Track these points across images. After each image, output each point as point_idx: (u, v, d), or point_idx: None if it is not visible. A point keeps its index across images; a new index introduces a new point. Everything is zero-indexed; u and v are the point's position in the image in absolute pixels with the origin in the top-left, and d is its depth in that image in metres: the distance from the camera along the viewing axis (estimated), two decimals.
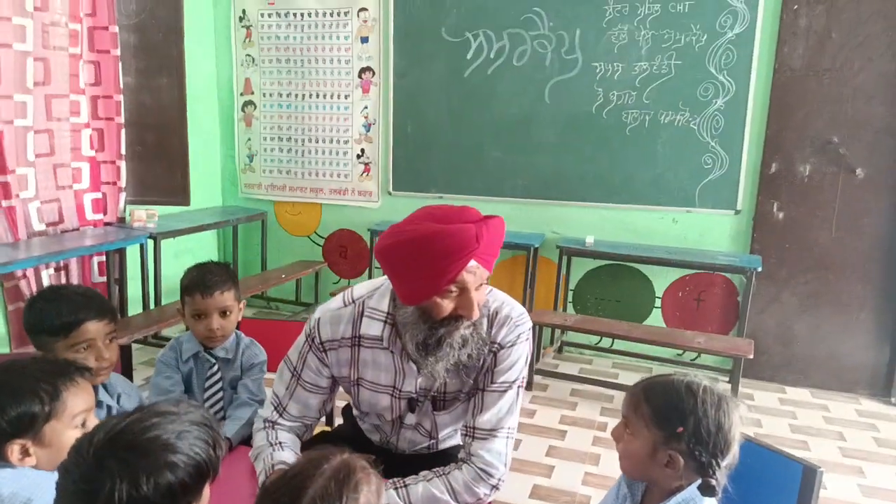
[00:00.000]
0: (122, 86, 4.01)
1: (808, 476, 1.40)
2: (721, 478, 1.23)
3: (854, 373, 4.04)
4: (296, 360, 1.60)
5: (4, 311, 3.56)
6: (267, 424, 1.60)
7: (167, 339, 3.74)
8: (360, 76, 4.82)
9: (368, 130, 4.88)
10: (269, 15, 4.95)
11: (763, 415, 3.73)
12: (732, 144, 4.08)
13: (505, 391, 1.52)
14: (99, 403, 1.68)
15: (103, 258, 3.96)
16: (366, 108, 4.85)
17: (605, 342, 4.47)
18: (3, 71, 3.34)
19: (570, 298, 4.56)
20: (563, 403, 3.78)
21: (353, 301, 1.57)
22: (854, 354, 4.03)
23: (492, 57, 4.46)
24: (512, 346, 1.52)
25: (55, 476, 0.95)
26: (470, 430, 1.52)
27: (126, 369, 3.29)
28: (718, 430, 1.22)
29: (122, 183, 4.12)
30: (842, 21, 3.79)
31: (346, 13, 4.76)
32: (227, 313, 2.00)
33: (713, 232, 4.22)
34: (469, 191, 4.60)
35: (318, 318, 1.57)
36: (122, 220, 4.15)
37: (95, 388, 1.65)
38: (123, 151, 4.08)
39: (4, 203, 3.43)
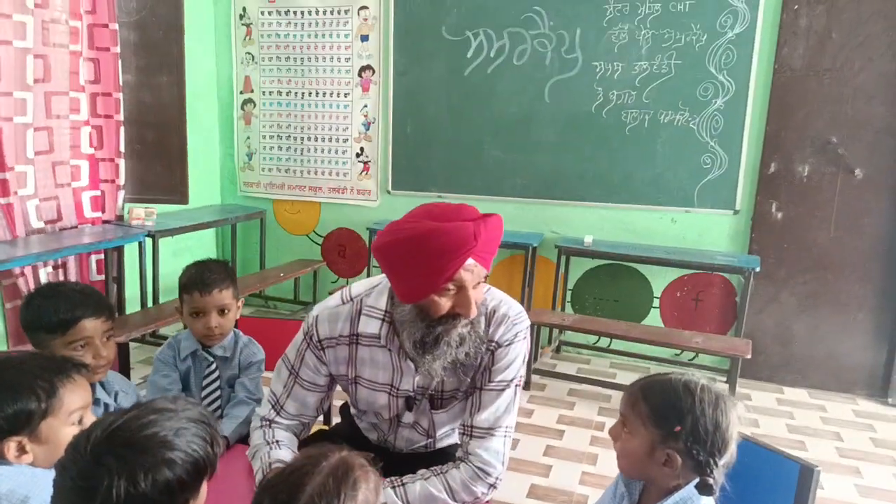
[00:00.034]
0: (121, 83, 4.01)
1: (805, 475, 1.41)
2: (719, 477, 1.23)
3: (852, 373, 4.05)
4: (293, 358, 1.60)
5: (2, 308, 3.55)
6: (264, 423, 1.59)
7: (165, 338, 3.74)
8: (359, 74, 4.82)
9: (368, 129, 4.88)
10: (270, 13, 4.95)
11: (760, 415, 3.73)
12: (732, 144, 4.08)
13: (503, 390, 1.52)
14: (96, 401, 1.68)
15: (101, 256, 3.96)
16: (365, 106, 4.85)
17: (604, 342, 4.47)
18: (3, 68, 3.33)
19: (568, 298, 4.56)
20: (561, 403, 3.78)
21: (351, 299, 1.57)
22: (852, 355, 4.03)
23: (492, 56, 4.46)
24: (509, 344, 1.52)
25: (52, 473, 0.95)
26: (468, 428, 1.52)
27: (123, 367, 3.29)
28: (716, 428, 1.22)
29: (121, 181, 4.11)
30: (842, 21, 3.79)
31: (346, 11, 4.76)
32: (226, 311, 1.99)
33: (712, 232, 4.22)
34: (468, 190, 4.60)
35: (316, 316, 1.57)
36: (120, 218, 4.15)
37: (93, 386, 1.65)
38: (122, 149, 4.08)
39: (3, 200, 3.43)
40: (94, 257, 3.98)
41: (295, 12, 4.88)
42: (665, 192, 4.25)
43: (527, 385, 3.91)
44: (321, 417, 2.03)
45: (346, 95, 4.89)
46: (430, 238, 1.33)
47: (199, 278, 1.97)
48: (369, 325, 1.52)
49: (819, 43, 3.85)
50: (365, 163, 4.94)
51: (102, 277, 3.96)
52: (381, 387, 1.57)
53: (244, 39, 5.08)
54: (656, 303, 4.40)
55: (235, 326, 2.08)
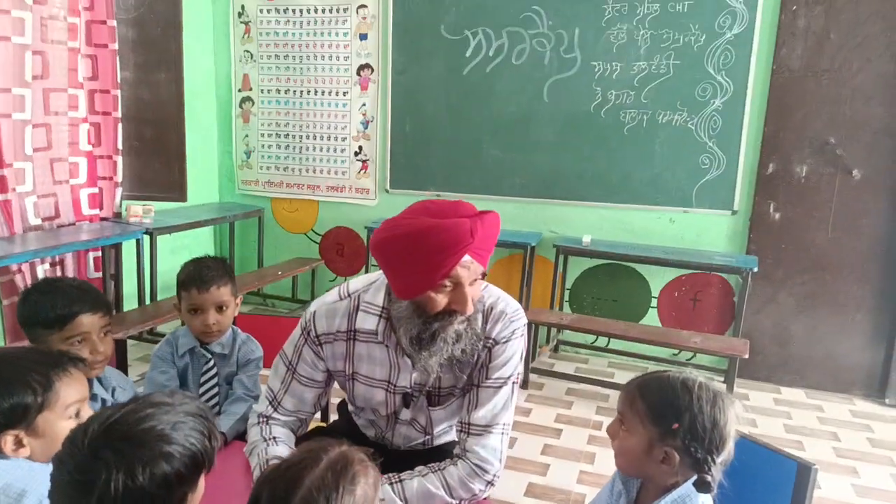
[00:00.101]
0: (119, 80, 4.00)
1: (802, 473, 1.41)
2: (716, 474, 1.23)
3: (849, 373, 4.05)
4: (291, 353, 1.59)
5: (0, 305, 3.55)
6: (261, 419, 1.59)
7: (162, 336, 3.72)
8: (358, 73, 4.81)
9: (366, 128, 4.88)
10: (268, 11, 4.95)
11: (758, 415, 3.73)
12: (730, 145, 4.08)
13: (500, 387, 1.52)
14: (94, 397, 1.68)
15: (99, 253, 3.95)
16: (364, 105, 4.85)
17: (602, 341, 4.47)
18: (1, 64, 3.33)
19: (566, 297, 4.56)
20: (559, 402, 3.78)
21: (349, 295, 1.57)
22: (849, 355, 4.04)
23: (491, 55, 4.46)
24: (507, 341, 1.52)
25: (50, 467, 0.94)
26: (465, 426, 1.52)
27: (121, 364, 3.28)
28: (714, 426, 1.22)
29: (119, 178, 4.11)
30: (840, 22, 3.79)
31: (345, 10, 4.76)
32: (224, 308, 1.99)
33: (710, 232, 4.23)
34: (467, 189, 4.60)
35: (314, 312, 1.57)
36: (118, 215, 4.14)
37: (90, 382, 1.65)
38: (120, 146, 4.07)
39: (0, 197, 3.42)
40: (91, 254, 3.97)
41: (294, 10, 4.88)
42: (663, 192, 4.25)
43: (525, 384, 3.91)
44: (319, 414, 2.03)
45: (344, 94, 4.88)
46: (426, 234, 1.33)
47: (196, 275, 1.97)
48: (367, 322, 1.52)
49: (817, 44, 3.85)
50: (363, 161, 4.93)
51: (100, 275, 3.96)
52: (378, 383, 1.57)
53: (243, 37, 5.08)
54: (654, 302, 4.40)
55: (233, 324, 2.08)
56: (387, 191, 4.90)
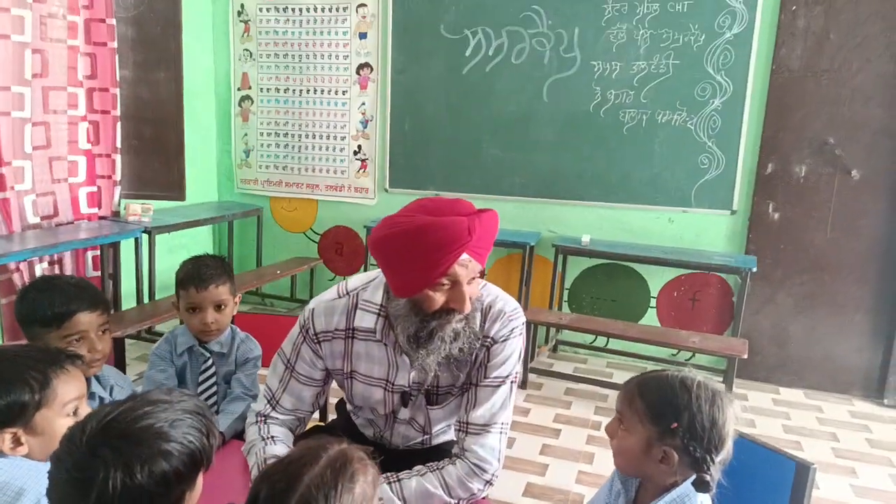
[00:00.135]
0: (118, 79, 3.99)
1: (801, 473, 1.41)
2: (715, 473, 1.23)
3: (848, 374, 4.05)
4: (290, 351, 1.59)
5: None
6: (259, 418, 1.59)
7: (160, 335, 3.72)
8: (357, 72, 4.81)
9: (366, 127, 4.88)
10: (268, 10, 4.94)
11: (757, 415, 3.73)
12: (729, 145, 4.08)
13: (498, 386, 1.52)
14: (92, 395, 1.67)
15: (97, 252, 3.94)
16: (363, 104, 4.85)
17: (600, 341, 4.47)
18: (1, 62, 3.32)
19: (565, 297, 4.56)
20: (558, 402, 3.78)
21: (348, 293, 1.57)
22: (848, 356, 4.04)
23: (490, 54, 4.45)
24: (505, 340, 1.52)
25: (48, 465, 0.94)
26: (463, 425, 1.52)
27: (119, 363, 3.28)
28: (713, 425, 1.22)
29: (117, 177, 4.10)
30: (840, 22, 3.79)
31: (344, 9, 4.75)
32: (222, 307, 1.99)
33: (709, 232, 4.23)
34: (466, 188, 4.59)
35: (313, 309, 1.57)
36: (116, 214, 4.14)
37: (88, 381, 1.65)
38: (119, 145, 4.06)
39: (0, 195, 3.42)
40: (90, 253, 3.96)
41: (293, 9, 4.87)
42: (662, 191, 4.25)
43: (523, 384, 3.91)
44: (317, 414, 2.02)
45: (343, 93, 4.88)
46: (424, 232, 1.32)
47: (195, 273, 1.97)
48: (365, 320, 1.52)
49: (817, 44, 3.85)
50: (362, 161, 4.93)
51: (98, 273, 3.95)
52: (376, 382, 1.57)
53: (242, 36, 5.07)
54: (653, 302, 4.40)
55: (232, 322, 2.08)
56: (386, 190, 4.90)
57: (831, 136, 3.89)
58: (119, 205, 4.15)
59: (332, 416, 2.10)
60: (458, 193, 4.56)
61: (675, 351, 4.21)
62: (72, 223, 3.85)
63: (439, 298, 1.40)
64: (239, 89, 5.17)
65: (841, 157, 3.89)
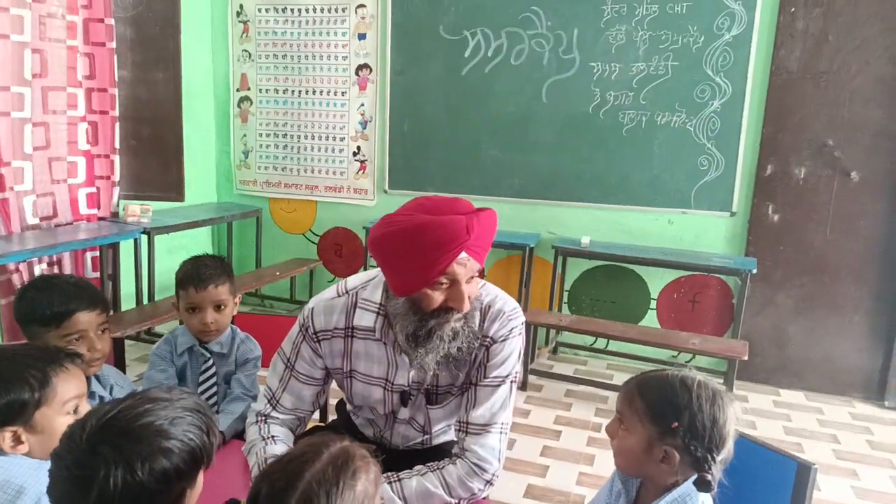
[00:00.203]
0: (117, 79, 3.99)
1: (802, 473, 1.40)
2: (716, 473, 1.23)
3: (848, 376, 4.05)
4: (289, 351, 1.59)
5: None
6: (260, 418, 1.59)
7: (160, 336, 3.72)
8: (357, 73, 4.81)
9: (365, 128, 4.88)
10: (267, 10, 4.94)
11: (757, 417, 3.73)
12: (728, 146, 4.08)
13: (498, 386, 1.51)
14: (91, 394, 1.67)
15: (97, 253, 3.94)
16: (362, 105, 4.85)
17: (600, 343, 4.47)
18: (0, 62, 3.31)
19: (565, 299, 4.55)
20: (558, 404, 3.77)
21: (347, 292, 1.57)
22: (848, 357, 4.03)
23: (489, 55, 4.45)
24: (504, 340, 1.52)
25: (48, 464, 0.94)
26: (463, 425, 1.51)
27: (119, 364, 3.27)
28: (713, 424, 1.22)
29: (116, 177, 4.10)
30: (839, 24, 3.79)
31: (343, 9, 4.75)
32: (222, 307, 1.99)
33: (708, 233, 4.23)
34: (465, 190, 4.59)
35: (312, 308, 1.57)
36: (115, 215, 4.13)
37: (88, 380, 1.65)
38: (117, 145, 4.06)
39: None
40: (89, 254, 3.96)
41: (292, 10, 4.88)
42: (662, 193, 4.25)
43: (524, 386, 3.91)
44: (317, 414, 2.02)
45: (343, 94, 4.88)
46: (422, 231, 1.32)
47: (194, 273, 1.96)
48: (364, 319, 1.52)
49: (816, 46, 3.85)
50: (362, 162, 4.93)
51: (98, 275, 3.95)
52: (375, 381, 1.57)
53: (241, 36, 5.07)
54: (653, 304, 4.40)
55: (232, 323, 2.07)
56: (385, 191, 4.89)
57: (830, 137, 3.89)
58: (118, 206, 4.15)
59: (332, 416, 2.09)
60: (458, 195, 4.47)
61: (675, 353, 4.20)
62: (71, 224, 3.85)
63: (438, 297, 1.40)
64: (238, 90, 5.17)
65: (840, 158, 3.89)
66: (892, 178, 3.84)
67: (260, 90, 5.10)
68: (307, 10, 4.84)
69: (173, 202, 4.56)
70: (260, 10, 4.97)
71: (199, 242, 5.12)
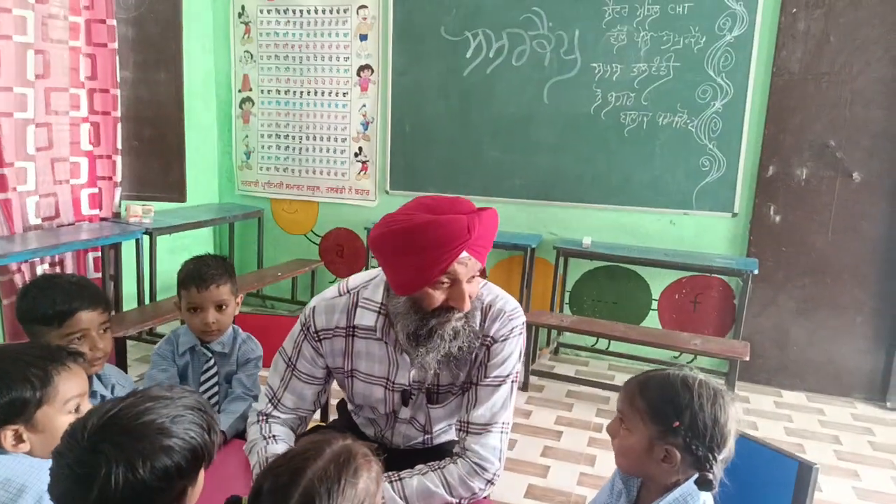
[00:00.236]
0: (118, 80, 4.00)
1: (803, 473, 1.40)
2: (718, 472, 1.23)
3: (850, 377, 4.04)
4: (291, 350, 1.59)
5: None
6: (261, 417, 1.59)
7: (162, 336, 3.72)
8: (358, 74, 4.81)
9: (366, 129, 4.88)
10: (269, 11, 4.95)
11: (759, 418, 3.73)
12: (730, 147, 4.08)
13: (499, 385, 1.51)
14: (93, 394, 1.67)
15: (98, 254, 3.94)
16: (364, 106, 4.85)
17: (602, 344, 4.46)
18: (3, 63, 3.32)
19: (566, 300, 4.55)
20: (559, 404, 3.77)
21: (349, 291, 1.57)
22: (850, 358, 4.03)
23: (491, 56, 4.46)
24: (505, 340, 1.52)
25: (49, 463, 0.94)
26: (464, 424, 1.51)
27: (120, 364, 3.27)
28: (714, 423, 1.21)
29: (118, 178, 4.10)
30: (840, 25, 3.79)
31: (345, 10, 4.76)
32: (224, 307, 1.99)
33: (710, 234, 4.23)
34: (467, 190, 4.59)
35: (314, 307, 1.57)
36: (117, 215, 4.14)
37: (90, 379, 1.64)
38: (119, 146, 4.07)
39: (1, 196, 3.42)
40: (91, 255, 3.97)
41: (294, 11, 4.88)
42: (663, 194, 4.25)
43: (525, 386, 3.91)
44: (318, 414, 2.02)
45: (344, 95, 4.89)
46: (424, 230, 1.32)
47: (196, 273, 1.96)
48: (365, 318, 1.52)
49: (817, 46, 3.85)
50: (363, 162, 4.93)
51: (99, 275, 3.95)
52: (377, 380, 1.57)
53: (243, 37, 5.08)
54: (655, 305, 4.40)
55: (234, 323, 2.08)
56: (387, 192, 4.90)
57: (832, 138, 3.89)
58: (120, 206, 4.15)
59: (333, 416, 2.09)
60: (459, 195, 4.51)
61: (676, 353, 4.20)
62: (73, 224, 3.85)
63: (439, 296, 1.40)
64: (240, 91, 5.17)
65: (842, 159, 3.89)
66: (894, 178, 3.84)
67: (262, 91, 5.10)
68: (309, 11, 4.85)
69: (175, 203, 4.57)
70: (262, 11, 4.97)
71: (201, 243, 5.12)
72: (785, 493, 1.42)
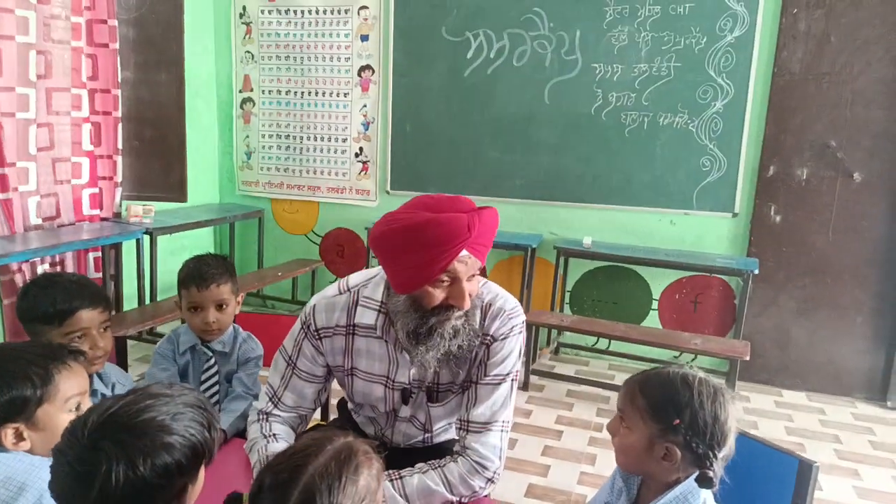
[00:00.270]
0: (119, 80, 4.00)
1: (803, 471, 1.40)
2: (718, 470, 1.23)
3: (850, 376, 4.04)
4: (291, 348, 1.59)
5: (0, 304, 3.54)
6: (261, 416, 1.59)
7: (162, 336, 3.72)
8: (359, 74, 4.82)
9: (367, 129, 4.88)
10: (270, 12, 4.95)
11: (759, 417, 3.73)
12: (730, 147, 4.08)
13: (499, 384, 1.51)
14: (94, 392, 1.67)
15: (99, 254, 3.95)
16: (365, 106, 4.85)
17: (602, 343, 4.46)
18: (5, 63, 3.33)
19: (567, 299, 4.55)
20: (560, 404, 3.77)
21: (349, 289, 1.57)
22: (850, 358, 4.03)
23: (492, 57, 4.46)
24: (505, 338, 1.52)
25: (50, 461, 0.94)
26: (464, 423, 1.51)
27: (121, 364, 3.27)
28: (715, 421, 1.22)
29: (119, 178, 4.11)
30: (841, 25, 3.79)
31: (346, 11, 4.76)
32: (224, 306, 1.99)
33: (711, 234, 4.23)
34: (467, 190, 4.58)
35: (314, 305, 1.57)
36: (118, 215, 4.14)
37: (91, 378, 1.65)
38: (120, 146, 4.07)
39: (2, 196, 3.42)
40: (91, 254, 3.97)
41: (295, 11, 4.89)
42: (664, 194, 4.25)
43: (525, 386, 3.91)
44: (318, 413, 2.02)
45: (345, 95, 4.89)
46: (424, 228, 1.33)
47: (196, 273, 1.97)
48: (365, 316, 1.52)
49: (818, 47, 3.85)
50: (364, 163, 4.93)
51: (100, 275, 3.95)
52: (377, 378, 1.57)
53: (244, 38, 5.08)
54: (655, 305, 4.40)
55: (234, 322, 2.08)
56: (387, 192, 4.90)
57: (832, 138, 3.89)
58: (120, 206, 4.16)
59: (333, 416, 2.09)
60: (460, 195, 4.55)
61: (677, 353, 4.19)
62: (73, 224, 3.86)
63: (439, 295, 1.40)
64: (241, 91, 5.18)
65: (842, 159, 3.89)
66: (894, 179, 3.84)
67: (263, 91, 5.11)
68: (310, 12, 4.85)
69: (176, 203, 4.58)
70: (263, 12, 4.98)
71: (202, 243, 5.13)
72: (785, 491, 1.42)
